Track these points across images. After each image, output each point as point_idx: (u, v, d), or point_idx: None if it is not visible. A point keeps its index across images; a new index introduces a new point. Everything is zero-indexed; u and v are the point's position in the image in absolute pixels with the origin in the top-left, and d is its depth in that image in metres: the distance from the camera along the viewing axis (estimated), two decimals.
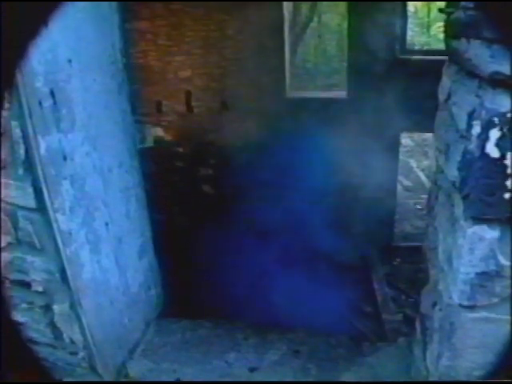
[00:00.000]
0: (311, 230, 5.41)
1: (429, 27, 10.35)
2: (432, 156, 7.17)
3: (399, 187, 7.08)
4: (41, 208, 2.35)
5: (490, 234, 1.63)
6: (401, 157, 6.30)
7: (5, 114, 2.08)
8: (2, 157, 2.20)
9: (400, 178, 7.17)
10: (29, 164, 2.25)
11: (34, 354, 2.55)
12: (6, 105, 2.06)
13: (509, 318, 1.72)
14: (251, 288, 4.87)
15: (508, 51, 1.37)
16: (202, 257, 5.39)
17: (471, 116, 1.59)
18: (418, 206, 7.18)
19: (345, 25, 5.20)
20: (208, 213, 5.67)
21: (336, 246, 5.22)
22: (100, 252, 2.83)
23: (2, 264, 2.47)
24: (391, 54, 4.84)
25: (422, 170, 8.40)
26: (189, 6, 4.96)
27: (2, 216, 2.37)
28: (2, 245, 2.46)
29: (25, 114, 2.15)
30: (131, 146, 3.20)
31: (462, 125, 1.67)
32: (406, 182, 8.01)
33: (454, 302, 1.83)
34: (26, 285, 2.59)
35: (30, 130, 2.19)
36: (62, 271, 2.53)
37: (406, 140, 8.71)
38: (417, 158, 8.94)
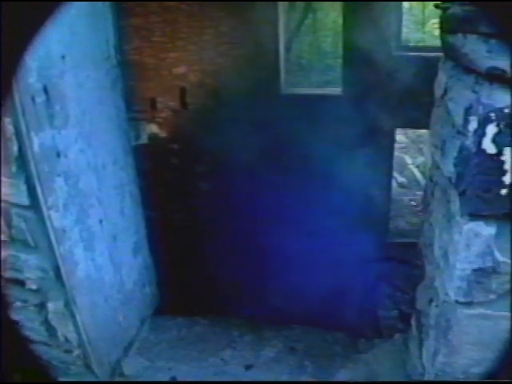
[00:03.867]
0: (306, 227, 5.40)
1: (423, 24, 10.32)
2: (427, 152, 7.16)
3: (394, 184, 7.07)
4: (34, 205, 2.33)
5: (487, 230, 1.62)
6: (395, 153, 6.29)
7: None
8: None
9: (395, 174, 7.16)
10: (22, 161, 2.23)
11: (32, 352, 2.54)
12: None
13: (505, 314, 1.71)
14: (248, 285, 4.86)
15: (507, 47, 1.35)
16: (197, 254, 5.37)
17: (468, 111, 1.57)
18: (413, 203, 7.17)
19: (340, 21, 5.16)
20: (204, 210, 5.65)
21: (331, 243, 5.20)
22: (94, 249, 2.82)
23: None
24: (386, 50, 4.81)
25: (417, 167, 8.39)
26: (183, 3, 4.93)
27: None
28: None
29: (17, 111, 2.13)
30: (126, 142, 3.19)
31: (459, 120, 1.65)
32: (401, 179, 8.00)
33: (450, 298, 1.82)
34: (20, 283, 2.57)
35: (23, 127, 2.17)
36: (56, 269, 2.51)
37: (400, 137, 8.70)
38: (411, 154, 8.93)
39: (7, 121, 2.13)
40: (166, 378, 2.93)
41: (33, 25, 1.52)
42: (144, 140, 5.29)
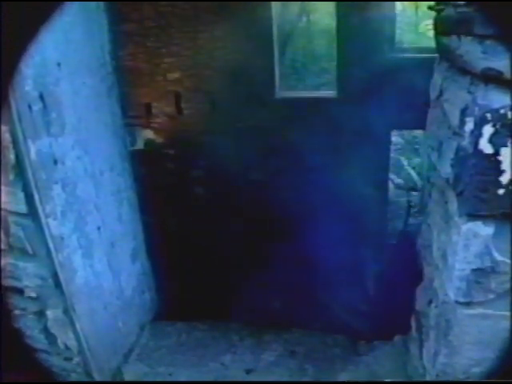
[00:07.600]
0: (302, 231, 5.40)
1: (417, 25, 10.34)
2: (423, 154, 7.18)
3: (390, 185, 7.07)
4: (32, 213, 2.33)
5: (485, 230, 1.63)
6: (391, 154, 6.30)
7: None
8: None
9: (391, 176, 7.16)
10: (19, 169, 2.23)
11: (35, 356, 2.54)
12: None
13: (505, 313, 1.71)
14: (244, 289, 4.86)
15: (504, 48, 1.36)
16: (195, 258, 5.37)
17: (464, 112, 1.58)
18: (411, 204, 7.18)
19: (333, 24, 5.17)
20: (200, 214, 5.65)
21: (328, 244, 5.21)
22: (92, 256, 2.81)
23: None
24: (380, 52, 4.83)
25: (413, 168, 8.41)
26: (177, 8, 4.93)
27: None
28: None
29: (14, 119, 2.13)
30: (122, 148, 3.19)
31: (455, 121, 1.66)
32: (397, 180, 8.01)
33: (449, 298, 1.83)
34: (19, 291, 2.57)
35: (20, 135, 2.16)
36: (55, 276, 2.51)
37: (396, 138, 8.71)
38: (407, 155, 8.95)
39: (4, 129, 2.12)
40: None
41: (30, 31, 1.52)
42: (140, 145, 5.29)
